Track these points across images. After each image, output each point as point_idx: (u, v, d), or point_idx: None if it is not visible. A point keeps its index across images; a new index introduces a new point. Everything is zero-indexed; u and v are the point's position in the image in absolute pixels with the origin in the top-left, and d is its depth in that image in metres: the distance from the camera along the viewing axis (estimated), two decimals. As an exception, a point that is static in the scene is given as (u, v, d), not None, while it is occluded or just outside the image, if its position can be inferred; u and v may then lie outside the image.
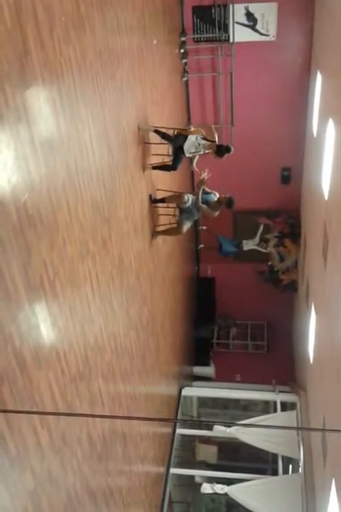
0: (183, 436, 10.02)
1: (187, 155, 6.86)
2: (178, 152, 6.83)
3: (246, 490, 8.22)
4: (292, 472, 9.26)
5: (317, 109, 8.43)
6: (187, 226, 7.35)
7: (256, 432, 8.81)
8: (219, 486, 8.42)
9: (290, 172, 11.36)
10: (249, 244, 11.24)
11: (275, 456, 9.22)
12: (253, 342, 13.48)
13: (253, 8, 9.81)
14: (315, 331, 7.57)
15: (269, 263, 11.68)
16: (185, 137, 6.76)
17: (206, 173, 7.03)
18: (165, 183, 7.78)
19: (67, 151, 3.82)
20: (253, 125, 10.68)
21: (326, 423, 6.20)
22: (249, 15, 9.92)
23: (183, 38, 10.07)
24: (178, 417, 9.49)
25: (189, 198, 7.06)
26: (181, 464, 9.64)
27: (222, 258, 11.86)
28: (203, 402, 11.92)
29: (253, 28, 10.00)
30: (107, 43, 4.92)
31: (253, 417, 9.81)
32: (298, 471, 8.26)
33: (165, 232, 7.48)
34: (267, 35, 9.99)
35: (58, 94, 3.65)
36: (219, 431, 9.19)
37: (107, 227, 4.85)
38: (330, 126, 6.54)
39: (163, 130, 6.83)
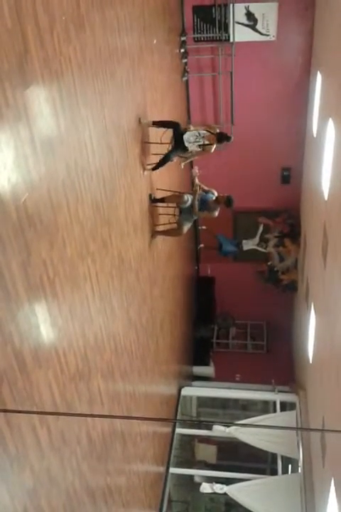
0: (183, 435, 10.02)
1: (187, 144, 6.76)
2: (178, 144, 6.78)
3: (246, 490, 8.23)
4: (291, 472, 9.26)
5: (317, 109, 8.43)
6: (187, 227, 7.34)
7: (255, 431, 8.81)
8: (219, 485, 8.43)
9: (290, 172, 11.36)
10: (248, 244, 11.25)
11: (274, 456, 9.23)
12: (253, 342, 13.49)
13: (253, 8, 9.81)
14: (315, 331, 7.57)
15: (269, 263, 11.68)
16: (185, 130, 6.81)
17: (196, 170, 7.02)
18: (165, 182, 7.79)
19: (67, 150, 3.83)
20: (253, 125, 10.68)
21: (325, 423, 6.20)
22: (250, 15, 9.92)
23: (183, 38, 10.06)
24: (178, 417, 9.49)
25: (189, 198, 7.06)
26: (180, 464, 9.65)
27: (222, 258, 11.86)
28: (202, 401, 11.92)
29: (253, 27, 10.00)
30: (107, 42, 4.92)
31: (253, 416, 9.81)
32: (297, 471, 8.27)
33: (165, 233, 7.47)
34: (267, 35, 9.99)
35: (58, 94, 3.65)
36: (219, 431, 9.19)
37: (107, 227, 4.85)
38: (330, 126, 6.54)
39: (161, 120, 6.83)
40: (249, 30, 10.00)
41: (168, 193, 7.37)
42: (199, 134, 6.75)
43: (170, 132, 7.05)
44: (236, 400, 11.65)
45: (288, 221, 11.45)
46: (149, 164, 6.78)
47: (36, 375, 3.18)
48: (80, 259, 4.06)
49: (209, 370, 12.50)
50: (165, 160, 6.86)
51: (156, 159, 6.95)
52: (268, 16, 9.83)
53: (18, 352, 2.95)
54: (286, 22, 9.83)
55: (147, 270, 6.72)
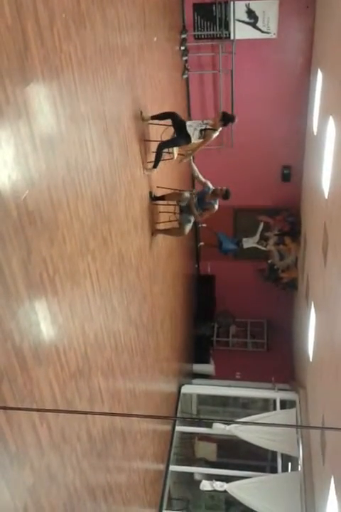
0: (183, 433, 10.04)
1: (189, 130, 6.62)
2: (180, 133, 6.68)
3: (246, 487, 8.24)
4: (291, 470, 9.27)
5: (318, 107, 8.42)
6: (189, 227, 7.29)
7: (255, 429, 8.82)
8: (219, 483, 8.43)
9: (291, 170, 11.36)
10: (249, 242, 11.24)
11: (274, 453, 9.24)
12: (253, 340, 13.50)
13: (254, 5, 9.80)
14: (315, 329, 7.57)
15: (269, 261, 11.68)
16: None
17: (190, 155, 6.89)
18: (165, 180, 7.78)
19: (67, 147, 3.82)
20: (253, 123, 10.67)
21: (325, 421, 6.21)
22: (250, 12, 9.91)
23: (184, 35, 10.05)
24: (178, 415, 9.50)
25: (188, 195, 7.05)
26: (180, 461, 9.66)
27: (222, 256, 11.85)
28: (203, 399, 11.94)
29: (254, 25, 9.99)
30: (107, 39, 4.91)
31: (253, 414, 9.81)
32: (297, 468, 8.28)
33: (166, 232, 7.46)
34: (268, 33, 9.98)
35: (58, 91, 3.64)
36: (219, 428, 9.20)
37: (107, 225, 4.85)
38: (331, 124, 6.54)
39: (160, 113, 6.80)
40: (249, 27, 9.99)
41: (168, 191, 7.36)
42: (202, 121, 6.67)
43: (170, 130, 7.04)
44: (236, 398, 11.67)
45: (288, 219, 11.45)
46: (149, 162, 6.77)
47: (36, 373, 3.18)
48: (80, 256, 4.06)
49: (209, 367, 12.52)
50: (159, 151, 6.67)
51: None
52: (268, 13, 9.82)
53: (19, 349, 2.95)
54: (287, 19, 9.81)
55: (147, 268, 6.72)
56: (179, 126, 6.73)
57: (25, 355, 3.03)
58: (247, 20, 9.94)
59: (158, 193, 7.20)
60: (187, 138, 6.71)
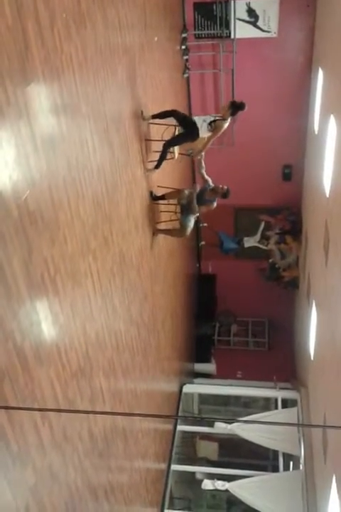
0: (184, 432, 10.04)
1: (198, 122, 6.51)
2: (188, 128, 6.56)
3: (247, 486, 8.24)
4: (293, 469, 9.27)
5: (319, 105, 8.42)
6: (190, 228, 7.28)
7: (256, 428, 8.82)
8: (220, 482, 8.43)
9: (292, 169, 11.35)
10: (250, 242, 11.24)
11: (275, 452, 9.24)
12: (254, 339, 13.50)
13: (254, 4, 9.79)
14: (316, 328, 7.57)
15: (270, 260, 11.68)
16: None
17: (203, 153, 6.79)
18: (166, 180, 7.78)
19: (67, 147, 3.82)
20: (254, 122, 10.66)
21: (327, 419, 6.21)
22: (251, 11, 9.90)
23: (184, 35, 10.04)
24: (179, 414, 9.50)
25: (189, 194, 7.04)
26: (182, 461, 9.66)
27: (223, 255, 11.85)
28: (204, 398, 11.93)
29: (254, 24, 9.98)
30: (108, 39, 4.91)
31: (254, 413, 9.82)
32: (299, 467, 8.27)
33: (168, 232, 7.45)
34: (269, 32, 9.97)
35: (59, 91, 3.65)
36: (220, 427, 9.21)
37: (108, 224, 4.85)
38: (332, 123, 6.53)
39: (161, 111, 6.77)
40: (250, 26, 9.98)
41: (169, 190, 7.36)
42: (210, 116, 6.59)
43: (171, 129, 7.04)
44: (237, 397, 11.66)
45: (289, 218, 11.44)
46: (150, 161, 6.77)
47: (38, 373, 3.19)
48: (81, 256, 4.06)
49: (210, 367, 12.52)
50: (165, 150, 6.65)
51: (157, 156, 6.94)
52: (269, 12, 9.81)
53: (20, 349, 2.96)
54: (287, 18, 9.80)
55: (148, 267, 6.72)
56: (184, 122, 6.67)
57: (26, 355, 3.03)
58: (248, 19, 9.93)
59: (159, 192, 7.20)
60: (195, 133, 6.55)
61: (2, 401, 2.74)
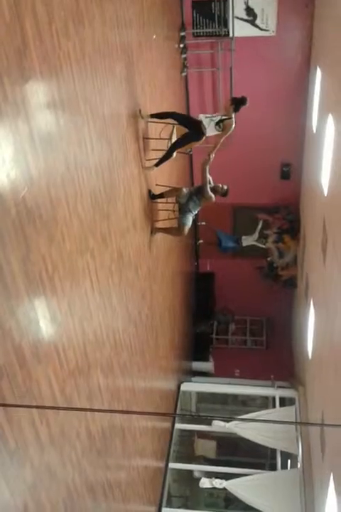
0: (182, 431, 10.05)
1: (204, 121, 6.42)
2: (193, 129, 6.50)
3: (245, 485, 8.26)
4: (290, 467, 9.29)
5: (317, 104, 8.42)
6: (188, 226, 7.27)
7: (254, 427, 8.84)
8: (218, 480, 8.45)
9: (290, 168, 11.36)
10: (248, 240, 11.25)
11: (273, 451, 9.26)
12: (252, 338, 13.52)
13: (253, 2, 9.78)
14: (314, 327, 7.58)
15: (268, 259, 11.69)
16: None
17: (213, 155, 6.69)
18: (164, 178, 7.78)
19: (66, 145, 3.82)
20: (252, 121, 10.64)
21: (324, 418, 6.22)
22: (249, 10, 9.90)
23: (183, 33, 10.04)
24: (177, 412, 9.51)
25: (187, 192, 7.04)
26: (180, 459, 9.67)
27: (221, 254, 11.86)
28: (202, 397, 11.95)
29: (252, 23, 9.98)
30: (106, 37, 4.90)
31: (252, 412, 9.84)
32: (297, 466, 8.30)
33: (166, 231, 7.46)
34: (267, 30, 9.97)
35: (57, 89, 3.64)
36: (218, 426, 9.22)
37: (106, 223, 4.85)
38: (330, 122, 6.54)
39: (160, 112, 6.76)
40: (248, 25, 9.98)
41: (167, 189, 7.36)
42: (212, 115, 6.50)
43: (169, 128, 7.04)
44: (235, 396, 11.69)
45: (287, 217, 11.45)
46: (148, 160, 6.77)
47: (36, 371, 3.19)
48: (79, 254, 4.06)
49: (208, 365, 12.53)
50: (171, 151, 6.65)
51: (155, 155, 6.95)
52: (267, 11, 9.81)
53: (18, 347, 2.96)
54: (286, 17, 9.80)
55: (146, 266, 6.72)
56: (187, 122, 6.65)
57: (24, 353, 3.03)
58: (246, 17, 9.93)
59: (157, 191, 7.20)
60: (200, 133, 6.48)
61: (0, 399, 2.74)
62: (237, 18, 9.87)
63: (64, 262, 3.71)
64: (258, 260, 11.87)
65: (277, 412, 9.32)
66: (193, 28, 10.10)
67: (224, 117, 6.49)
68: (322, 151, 7.17)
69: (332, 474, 5.43)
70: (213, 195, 6.91)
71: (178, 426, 9.43)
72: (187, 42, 10.17)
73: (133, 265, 5.98)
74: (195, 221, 11.24)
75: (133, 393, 5.94)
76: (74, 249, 3.93)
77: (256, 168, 11.22)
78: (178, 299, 9.92)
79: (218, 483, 8.42)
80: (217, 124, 6.42)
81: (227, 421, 9.13)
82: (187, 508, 9.53)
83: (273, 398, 9.95)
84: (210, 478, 8.58)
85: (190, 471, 9.83)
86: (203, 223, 11.56)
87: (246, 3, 9.82)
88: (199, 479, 8.76)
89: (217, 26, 9.97)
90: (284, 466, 9.01)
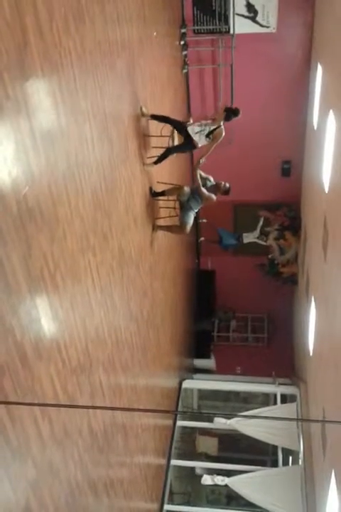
0: (184, 428, 10.07)
1: (194, 137, 6.57)
2: (185, 142, 6.66)
3: (246, 481, 8.27)
4: (292, 464, 9.30)
5: (318, 101, 8.41)
6: (190, 224, 7.28)
7: (256, 423, 8.84)
8: (220, 477, 8.46)
9: (291, 165, 11.34)
10: (249, 237, 11.25)
11: (275, 447, 9.27)
12: (254, 334, 13.52)
13: (253, -1, 9.77)
14: (315, 324, 7.58)
15: (269, 256, 11.69)
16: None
17: (204, 159, 6.90)
18: (165, 175, 7.78)
19: (67, 143, 3.82)
20: (253, 118, 10.65)
21: (326, 414, 6.23)
22: (250, 6, 9.88)
23: (183, 30, 10.02)
24: (179, 409, 9.53)
25: (189, 190, 7.04)
26: (182, 456, 9.69)
27: (223, 251, 11.86)
28: (203, 394, 11.96)
29: (253, 19, 9.96)
30: (107, 34, 4.90)
31: (254, 409, 9.84)
32: (298, 462, 8.30)
33: (168, 229, 7.46)
34: (268, 27, 9.95)
35: (58, 86, 3.64)
36: (220, 423, 9.23)
37: (107, 220, 4.85)
38: (331, 118, 6.53)
39: (160, 115, 6.78)
40: (249, 21, 9.96)
41: (168, 186, 7.35)
42: (200, 123, 6.59)
43: (169, 126, 7.02)
44: (237, 393, 11.69)
45: (288, 214, 11.44)
46: (149, 157, 6.76)
47: (38, 368, 3.19)
48: (81, 252, 4.06)
49: (210, 362, 12.55)
50: (166, 154, 6.78)
51: (156, 152, 6.94)
52: (268, 7, 9.79)
53: (20, 345, 2.96)
54: (286, 14, 9.78)
55: (148, 263, 6.72)
56: (182, 131, 6.70)
57: (26, 351, 3.03)
58: (247, 14, 9.91)
59: (158, 188, 7.20)
60: (193, 146, 6.70)
61: (2, 396, 2.74)
62: (238, 14, 9.85)
63: (65, 259, 3.72)
64: (260, 257, 11.87)
65: (278, 409, 9.33)
66: (194, 25, 10.08)
67: (213, 127, 6.58)
68: (323, 148, 7.16)
69: (333, 470, 5.43)
70: (212, 195, 6.93)
71: (180, 423, 9.44)
72: (187, 39, 10.16)
73: (135, 263, 5.98)
74: (196, 218, 11.23)
75: (135, 391, 5.95)
76: (75, 247, 3.93)
77: (257, 165, 11.21)
78: (179, 297, 9.92)
79: (220, 480, 8.44)
80: (207, 136, 6.59)
81: (229, 418, 9.13)
82: (189, 504, 9.55)
83: (275, 395, 9.96)
84: (212, 475, 8.59)
85: (192, 468, 9.85)
86: (204, 221, 11.56)
87: (247, 0, 9.80)
88: (201, 476, 8.77)
89: (217, 23, 9.95)
90: (285, 463, 9.02)
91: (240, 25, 9.90)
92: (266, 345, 13.34)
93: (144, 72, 6.60)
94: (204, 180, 7.06)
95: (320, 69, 8.28)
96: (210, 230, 11.46)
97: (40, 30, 3.32)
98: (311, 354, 7.98)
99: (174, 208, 7.50)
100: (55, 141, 3.57)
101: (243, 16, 9.91)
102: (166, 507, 7.97)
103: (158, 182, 7.26)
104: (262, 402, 11.36)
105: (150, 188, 6.89)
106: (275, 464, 9.08)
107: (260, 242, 11.30)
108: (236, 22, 9.82)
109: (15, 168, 2.95)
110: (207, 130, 6.55)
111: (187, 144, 6.72)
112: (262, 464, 9.95)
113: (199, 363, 12.42)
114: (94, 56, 4.49)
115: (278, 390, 9.79)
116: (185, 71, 10.41)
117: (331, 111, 6.56)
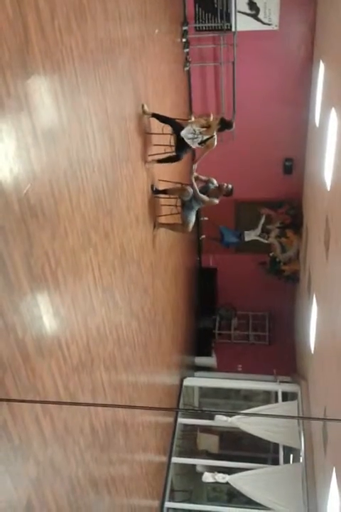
0: (185, 425, 10.08)
1: (187, 141, 6.63)
2: (181, 142, 6.76)
3: (248, 479, 8.28)
4: (293, 461, 9.32)
5: (320, 98, 8.39)
6: (192, 222, 7.28)
7: (257, 421, 8.85)
8: (221, 475, 8.48)
9: (293, 162, 11.32)
10: (250, 235, 11.24)
11: (276, 445, 9.28)
12: (255, 332, 13.52)
13: (255, -4, 9.74)
14: (317, 322, 7.58)
15: (271, 254, 11.67)
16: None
17: (195, 166, 6.98)
18: (167, 173, 7.77)
19: (68, 140, 3.82)
20: (255, 115, 10.64)
21: (327, 412, 6.23)
22: (252, 4, 9.85)
23: (185, 27, 10.00)
24: (180, 407, 9.54)
25: (192, 191, 7.04)
26: (183, 453, 9.70)
27: (224, 249, 11.85)
28: (205, 392, 11.97)
29: (255, 17, 9.94)
30: (109, 32, 4.89)
31: (255, 406, 9.85)
32: (299, 460, 8.32)
33: (170, 227, 7.45)
34: (269, 25, 9.93)
35: (60, 84, 3.64)
36: (221, 420, 9.24)
37: (109, 218, 4.85)
38: (333, 116, 6.52)
39: (162, 115, 6.79)
40: (251, 19, 9.94)
41: (171, 185, 7.35)
42: (194, 130, 6.56)
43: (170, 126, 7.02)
44: (238, 391, 11.70)
45: (290, 212, 11.43)
46: (151, 155, 6.76)
47: (39, 366, 3.20)
48: (82, 249, 4.06)
49: (211, 360, 12.55)
50: (173, 160, 6.85)
51: (158, 150, 6.94)
52: (270, 5, 9.76)
53: (21, 342, 2.96)
54: (288, 11, 9.76)
55: (149, 261, 6.72)
56: (180, 141, 6.73)
57: (27, 348, 3.04)
58: (248, 11, 9.89)
59: (161, 186, 7.19)
60: (187, 151, 6.82)
61: (3, 394, 2.75)
62: (240, 12, 9.83)
63: (67, 257, 3.72)
64: (261, 255, 11.86)
65: (279, 407, 9.34)
66: (195, 23, 10.07)
67: (206, 137, 6.59)
68: (325, 146, 7.15)
69: (334, 468, 5.44)
70: (213, 199, 6.97)
71: (181, 420, 9.45)
72: (189, 36, 10.14)
73: (136, 260, 5.98)
74: (197, 216, 11.23)
75: (136, 388, 5.96)
76: (77, 245, 3.94)
77: (259, 162, 11.19)
78: (181, 294, 9.92)
79: (221, 477, 8.45)
80: (200, 144, 6.65)
81: (230, 415, 9.15)
82: (190, 502, 9.56)
83: (276, 393, 9.97)
84: (213, 472, 8.60)
85: (193, 466, 9.86)
86: (206, 218, 11.54)
87: (249, -3, 9.78)
88: (202, 474, 8.79)
89: (219, 20, 9.93)
90: (286, 461, 9.03)
91: (242, 23, 9.88)
92: (268, 343, 13.34)
93: (146, 70, 6.59)
94: (206, 183, 7.07)
95: (322, 66, 8.27)
96: (212, 227, 11.45)
97: (42, 28, 3.31)
98: (312, 352, 7.98)
99: (175, 206, 7.50)
100: (56, 139, 3.57)
101: (245, 13, 9.89)
102: (167, 504, 7.99)
103: (159, 180, 7.25)
104: (263, 399, 11.37)
105: (152, 186, 6.89)
106: (276, 462, 9.09)
107: (262, 239, 11.29)
108: (238, 19, 9.80)
109: (16, 166, 2.95)
110: (200, 139, 6.60)
111: (181, 152, 6.76)
112: (263, 461, 9.96)
113: (201, 360, 12.42)
114: (96, 54, 4.49)
115: (280, 387, 9.80)
116: (186, 69, 10.40)
117: (333, 108, 6.55)
